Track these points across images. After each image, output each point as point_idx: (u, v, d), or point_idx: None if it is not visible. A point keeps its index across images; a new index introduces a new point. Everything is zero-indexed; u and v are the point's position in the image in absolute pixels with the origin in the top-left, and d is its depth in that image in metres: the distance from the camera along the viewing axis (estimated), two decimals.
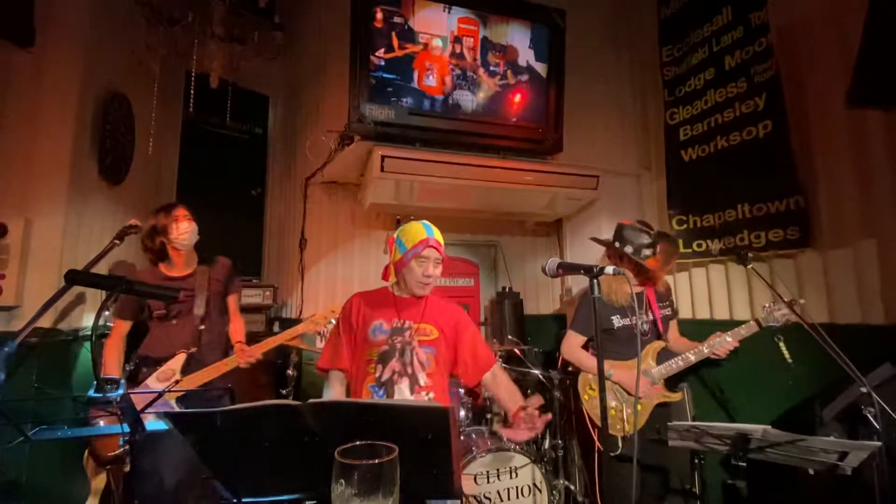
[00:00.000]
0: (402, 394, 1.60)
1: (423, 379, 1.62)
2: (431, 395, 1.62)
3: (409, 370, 1.62)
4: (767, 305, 2.14)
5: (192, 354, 2.18)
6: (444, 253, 1.71)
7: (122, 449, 1.96)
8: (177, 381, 2.09)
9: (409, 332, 1.66)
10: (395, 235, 1.73)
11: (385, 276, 1.78)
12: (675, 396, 2.32)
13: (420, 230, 1.67)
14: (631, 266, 2.32)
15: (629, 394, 2.24)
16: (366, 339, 1.66)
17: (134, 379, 2.18)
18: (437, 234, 1.69)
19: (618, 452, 2.15)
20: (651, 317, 2.39)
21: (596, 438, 2.28)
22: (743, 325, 2.20)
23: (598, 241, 2.51)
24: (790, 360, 2.06)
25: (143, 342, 2.25)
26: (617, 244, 2.35)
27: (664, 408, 2.32)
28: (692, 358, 2.24)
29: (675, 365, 2.26)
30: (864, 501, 1.71)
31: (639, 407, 2.23)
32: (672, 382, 2.39)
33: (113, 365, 2.18)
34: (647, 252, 2.28)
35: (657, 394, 2.28)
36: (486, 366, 1.75)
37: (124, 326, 2.25)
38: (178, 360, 2.15)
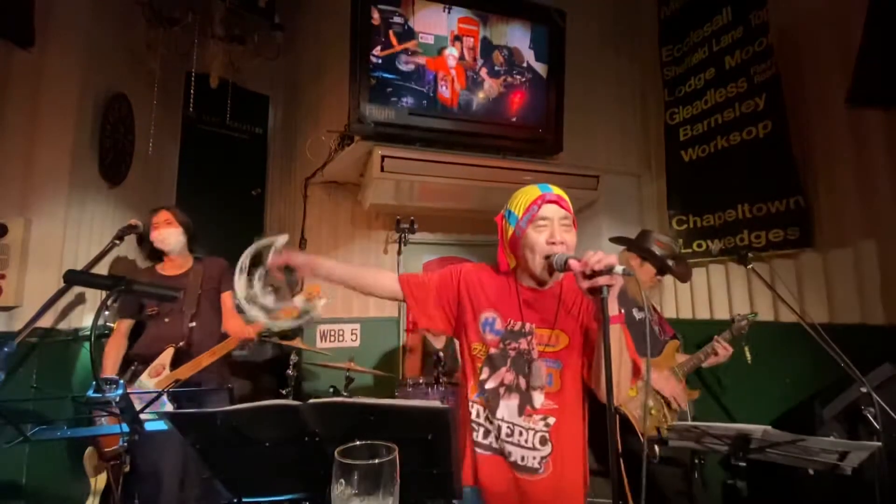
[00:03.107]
0: (507, 413, 1.27)
1: (539, 400, 1.26)
2: (551, 420, 1.26)
3: (524, 386, 1.27)
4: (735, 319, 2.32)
5: (181, 349, 2.18)
6: (570, 210, 1.26)
7: (120, 445, 1.97)
8: (177, 381, 2.08)
9: (528, 339, 1.29)
10: (503, 211, 1.34)
11: (503, 266, 1.35)
12: (695, 394, 2.36)
13: (533, 189, 1.27)
14: (655, 266, 2.30)
15: (660, 395, 2.25)
16: (474, 327, 1.33)
17: (136, 379, 2.18)
18: (556, 191, 1.26)
19: (656, 459, 2.12)
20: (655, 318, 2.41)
21: (644, 442, 2.08)
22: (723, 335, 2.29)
23: (622, 239, 2.45)
24: (749, 360, 2.31)
25: (136, 341, 2.27)
26: (646, 245, 2.34)
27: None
28: (702, 356, 2.28)
29: (691, 363, 2.29)
30: (864, 501, 1.71)
31: (685, 406, 2.26)
32: None
33: (109, 364, 2.19)
34: (671, 263, 2.31)
35: (686, 392, 2.31)
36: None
37: (124, 325, 2.27)
38: (167, 355, 2.15)
